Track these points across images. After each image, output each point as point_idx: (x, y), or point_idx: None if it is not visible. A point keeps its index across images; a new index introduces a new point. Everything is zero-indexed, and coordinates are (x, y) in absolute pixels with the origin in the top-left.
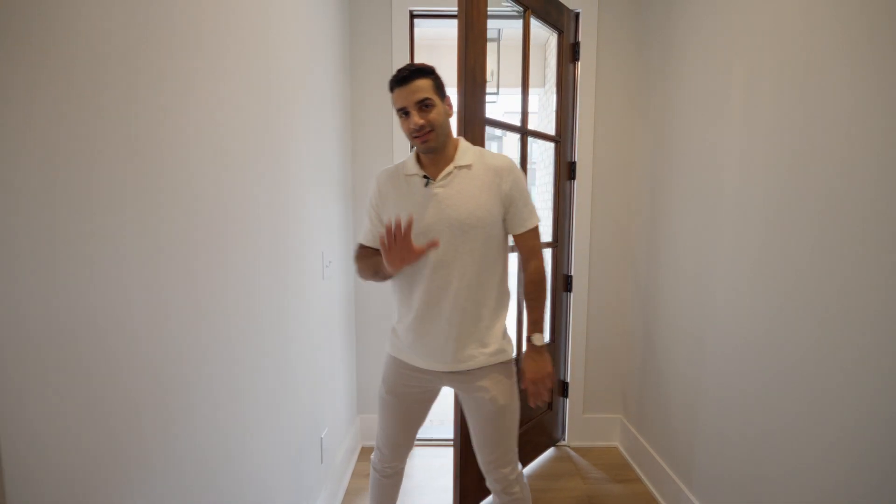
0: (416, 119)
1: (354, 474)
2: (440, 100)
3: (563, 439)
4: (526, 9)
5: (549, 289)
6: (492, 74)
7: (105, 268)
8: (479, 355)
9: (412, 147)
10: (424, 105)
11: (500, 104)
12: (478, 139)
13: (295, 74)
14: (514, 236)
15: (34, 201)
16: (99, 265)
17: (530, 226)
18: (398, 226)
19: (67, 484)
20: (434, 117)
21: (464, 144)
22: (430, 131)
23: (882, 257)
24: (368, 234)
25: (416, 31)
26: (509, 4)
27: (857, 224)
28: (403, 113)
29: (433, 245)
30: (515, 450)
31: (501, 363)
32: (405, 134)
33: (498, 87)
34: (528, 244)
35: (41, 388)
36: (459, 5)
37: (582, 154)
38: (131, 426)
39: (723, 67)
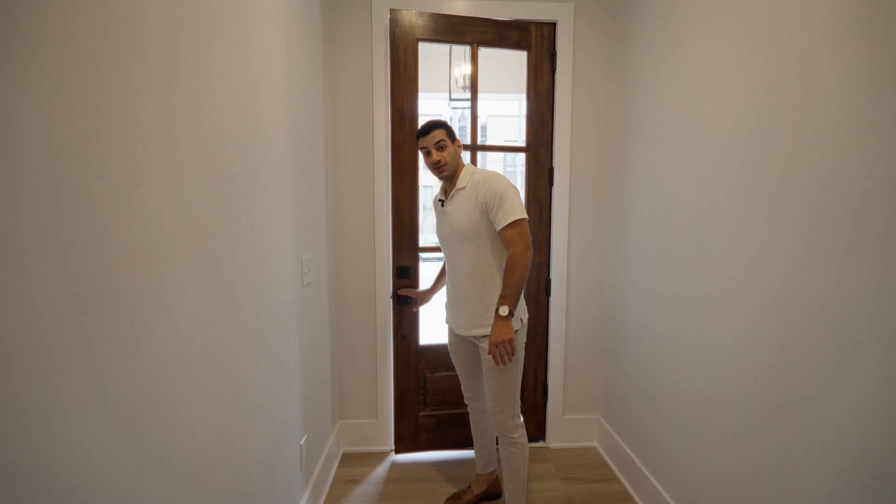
0: (434, 156)
1: (335, 481)
2: (451, 142)
3: (543, 440)
4: (471, 44)
5: (526, 275)
6: (464, 80)
7: (68, 274)
8: (483, 326)
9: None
10: (440, 146)
11: (485, 107)
12: (407, 164)
13: (271, 78)
14: (497, 232)
15: None
16: (60, 273)
17: (503, 224)
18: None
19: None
20: (445, 155)
21: (465, 171)
22: (444, 165)
23: (864, 256)
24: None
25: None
26: (458, 38)
27: (824, 223)
28: (426, 152)
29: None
30: (514, 403)
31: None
32: (428, 167)
33: (476, 92)
34: (505, 237)
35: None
36: (391, 63)
37: (560, 160)
38: (95, 437)
39: (695, 75)
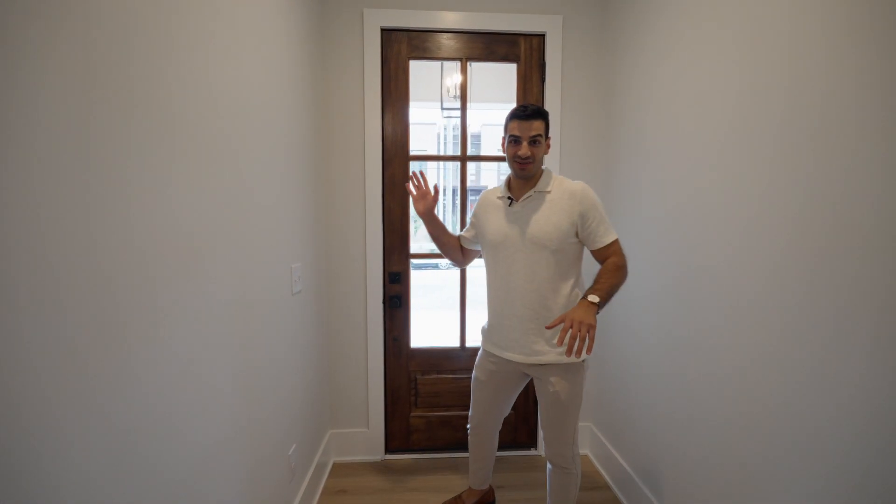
0: (525, 150)
1: (325, 491)
2: (545, 138)
3: (535, 448)
4: (460, 59)
5: (620, 285)
6: (455, 89)
7: (55, 285)
8: (549, 352)
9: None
10: (535, 141)
11: (478, 116)
12: (399, 176)
13: (260, 82)
14: (592, 252)
15: None
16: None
17: (604, 243)
18: (422, 177)
19: None
20: (537, 152)
21: (547, 173)
22: (531, 163)
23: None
24: (465, 232)
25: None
26: (448, 54)
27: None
28: (514, 140)
29: (437, 191)
30: (573, 435)
31: (569, 363)
32: (507, 156)
33: (465, 103)
34: (605, 254)
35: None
36: (383, 81)
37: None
38: (78, 454)
39: (681, 85)
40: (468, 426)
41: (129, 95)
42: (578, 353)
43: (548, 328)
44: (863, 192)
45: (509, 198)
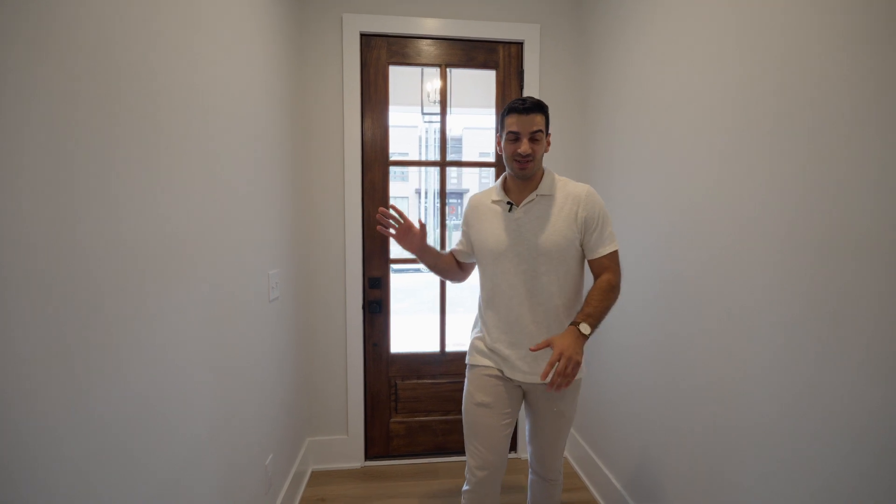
0: (526, 147)
1: (303, 500)
2: (545, 135)
3: (514, 451)
4: (440, 65)
5: (616, 301)
6: (436, 94)
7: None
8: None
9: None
10: (535, 137)
11: (459, 119)
12: (378, 180)
13: (237, 86)
14: (588, 260)
15: None
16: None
17: (603, 252)
18: (397, 212)
19: None
20: (537, 149)
21: (548, 175)
22: (531, 161)
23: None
24: (458, 247)
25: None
26: (427, 60)
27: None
28: (514, 137)
29: (423, 227)
30: (564, 448)
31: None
32: (506, 154)
33: (448, 107)
34: (602, 265)
35: None
36: (362, 86)
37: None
38: (47, 467)
39: (653, 90)
40: (465, 487)
41: (108, 96)
42: (558, 389)
43: (532, 350)
44: (859, 200)
45: (508, 202)
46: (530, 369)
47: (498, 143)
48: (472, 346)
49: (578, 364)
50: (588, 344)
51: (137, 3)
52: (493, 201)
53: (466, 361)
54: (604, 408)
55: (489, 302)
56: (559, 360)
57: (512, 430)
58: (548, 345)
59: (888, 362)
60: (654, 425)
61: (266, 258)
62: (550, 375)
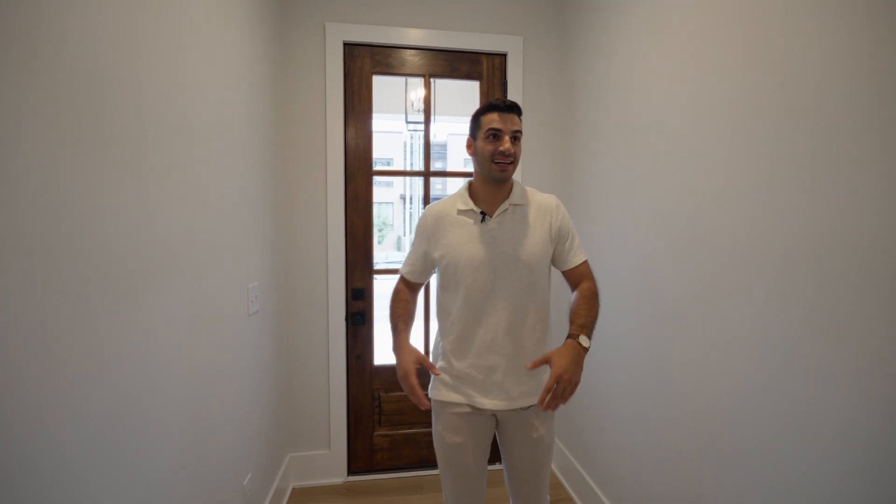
0: (509, 145)
1: None
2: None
3: (500, 462)
4: (424, 75)
5: (600, 308)
6: (420, 102)
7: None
8: (535, 393)
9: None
10: (516, 138)
11: (444, 126)
12: (362, 189)
13: (217, 93)
14: (563, 272)
15: None
16: None
17: (576, 262)
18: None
19: None
20: (518, 151)
21: (517, 184)
22: (512, 162)
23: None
24: (410, 268)
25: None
26: (411, 70)
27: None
28: (494, 135)
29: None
30: (549, 481)
31: None
32: (482, 155)
33: (432, 115)
34: (580, 276)
35: None
36: (345, 95)
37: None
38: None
39: (633, 102)
40: None
41: (88, 102)
42: (552, 409)
43: (529, 368)
44: (861, 218)
45: (481, 213)
46: (507, 395)
47: (469, 147)
48: (436, 378)
49: (576, 385)
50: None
51: (120, 20)
52: (460, 211)
53: (430, 396)
54: (595, 435)
55: (459, 324)
56: (557, 384)
57: (487, 460)
58: (545, 361)
59: (888, 384)
60: (645, 445)
61: (245, 271)
62: (547, 400)
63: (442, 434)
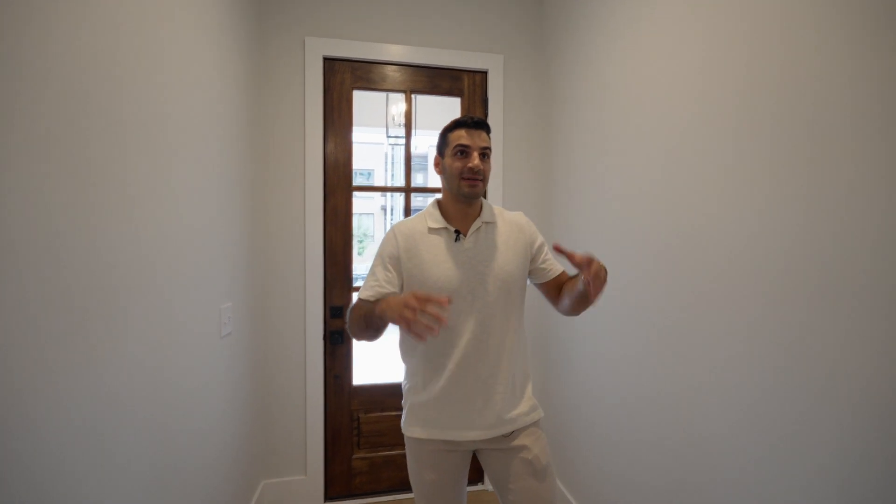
0: (477, 161)
1: None
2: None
3: (482, 482)
4: (405, 91)
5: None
6: (401, 116)
7: None
8: (519, 415)
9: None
10: (485, 155)
11: (426, 138)
12: (342, 205)
13: (191, 108)
14: (546, 282)
15: None
16: None
17: (559, 270)
18: (436, 301)
19: None
20: (487, 168)
21: (486, 203)
22: (481, 179)
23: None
24: (371, 290)
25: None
26: (392, 86)
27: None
28: (462, 151)
29: (444, 311)
30: None
31: (536, 421)
32: (450, 173)
33: (413, 130)
34: (559, 282)
35: None
36: (325, 110)
37: (492, 199)
38: None
39: (612, 119)
40: None
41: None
42: (596, 291)
43: (557, 249)
44: (857, 252)
45: (456, 231)
46: (487, 424)
47: (437, 165)
48: (411, 413)
49: (606, 275)
50: (563, 384)
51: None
52: (431, 230)
53: (404, 432)
54: (582, 461)
55: (432, 350)
56: (602, 271)
57: (465, 488)
58: (567, 253)
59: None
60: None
61: (218, 291)
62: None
63: (419, 472)
